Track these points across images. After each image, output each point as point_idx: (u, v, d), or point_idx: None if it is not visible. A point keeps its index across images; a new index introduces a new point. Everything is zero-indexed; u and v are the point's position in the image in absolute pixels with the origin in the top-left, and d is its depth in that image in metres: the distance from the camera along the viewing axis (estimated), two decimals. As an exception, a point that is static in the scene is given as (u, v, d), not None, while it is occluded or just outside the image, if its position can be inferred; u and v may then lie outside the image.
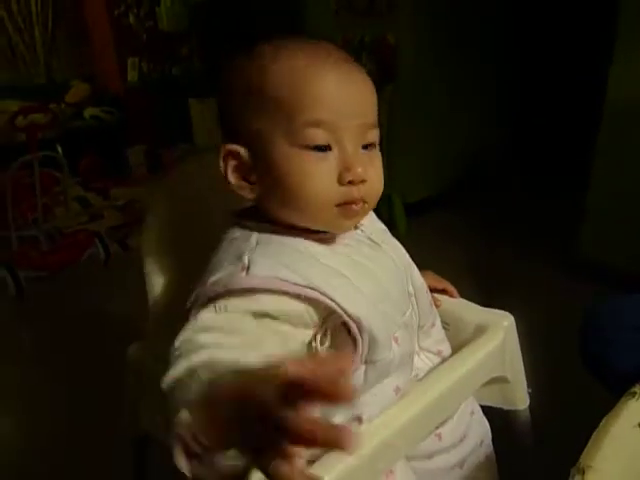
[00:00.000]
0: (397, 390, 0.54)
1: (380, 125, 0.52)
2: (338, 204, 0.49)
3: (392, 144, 2.87)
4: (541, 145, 3.41)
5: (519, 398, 0.68)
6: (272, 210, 0.52)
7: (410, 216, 2.82)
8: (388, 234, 0.63)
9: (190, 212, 0.66)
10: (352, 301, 0.48)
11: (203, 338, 0.42)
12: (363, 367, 0.50)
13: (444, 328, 0.65)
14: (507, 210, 3.02)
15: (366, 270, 0.53)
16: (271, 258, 0.48)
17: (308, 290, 0.46)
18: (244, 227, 0.52)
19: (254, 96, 0.49)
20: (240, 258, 0.47)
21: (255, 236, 0.50)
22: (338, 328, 0.50)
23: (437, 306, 0.65)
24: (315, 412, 0.51)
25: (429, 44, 2.65)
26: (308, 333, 0.50)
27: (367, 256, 0.55)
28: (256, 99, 0.49)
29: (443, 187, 3.01)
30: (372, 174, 0.51)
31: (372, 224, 0.61)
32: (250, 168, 0.50)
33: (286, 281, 0.46)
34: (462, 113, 2.96)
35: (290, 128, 0.47)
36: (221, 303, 0.45)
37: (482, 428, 0.66)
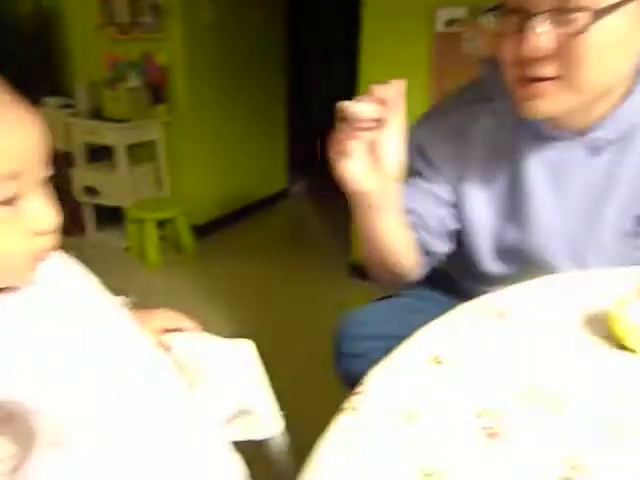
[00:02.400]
0: None
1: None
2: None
3: (174, 166, 2.77)
4: (321, 167, 3.68)
5: (269, 425, 0.66)
6: None
7: (199, 237, 2.76)
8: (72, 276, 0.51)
9: None
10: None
11: None
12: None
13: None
14: (294, 227, 3.18)
15: (50, 336, 0.43)
16: None
17: None
18: None
19: None
20: None
21: None
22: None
23: (167, 349, 0.60)
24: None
25: (201, 66, 2.64)
26: None
27: (49, 315, 0.44)
28: None
29: (230, 208, 3.03)
30: None
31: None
32: None
33: None
34: (243, 135, 3.02)
35: None
36: None
37: (234, 467, 0.62)
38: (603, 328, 0.60)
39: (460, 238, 0.84)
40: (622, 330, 0.58)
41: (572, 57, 0.60)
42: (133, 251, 2.62)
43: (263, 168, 3.28)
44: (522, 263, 0.81)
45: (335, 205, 2.97)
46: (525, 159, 0.75)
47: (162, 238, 2.68)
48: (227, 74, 2.82)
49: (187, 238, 2.65)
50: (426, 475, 0.41)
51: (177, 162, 2.77)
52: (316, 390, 1.29)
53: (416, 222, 0.79)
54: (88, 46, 2.81)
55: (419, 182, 0.81)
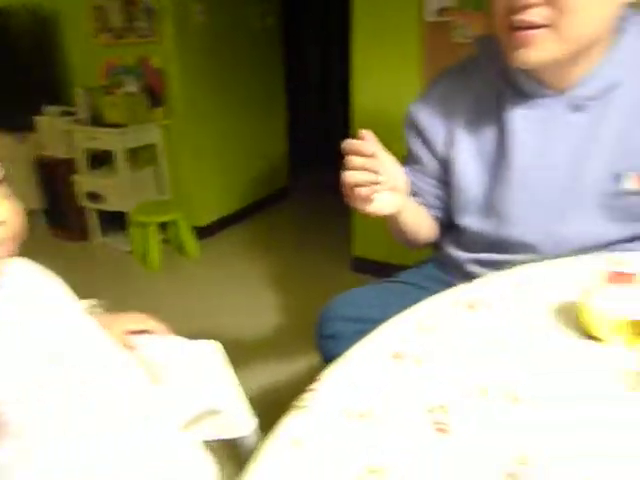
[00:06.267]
0: None
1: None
2: None
3: (175, 168, 2.79)
4: (319, 162, 3.68)
5: (241, 424, 0.66)
6: None
7: (203, 239, 2.77)
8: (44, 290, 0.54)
9: None
10: None
11: None
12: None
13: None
14: (295, 225, 3.18)
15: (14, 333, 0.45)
16: None
17: None
18: None
19: None
20: None
21: None
22: None
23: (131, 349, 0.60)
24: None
25: (196, 67, 2.64)
26: None
27: (14, 314, 0.47)
28: None
29: (232, 208, 3.03)
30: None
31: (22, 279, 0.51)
32: None
33: None
34: (243, 134, 3.02)
35: None
36: None
37: (202, 465, 0.62)
38: (571, 319, 0.59)
39: (451, 196, 0.89)
40: (589, 320, 0.57)
41: (561, 5, 0.64)
42: (136, 254, 2.65)
43: (264, 167, 3.29)
44: (501, 220, 0.82)
45: (335, 201, 2.99)
46: (510, 116, 0.77)
47: (165, 241, 2.70)
48: (223, 73, 2.82)
49: (189, 240, 2.66)
50: (370, 472, 0.41)
51: (177, 164, 2.79)
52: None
53: (422, 202, 0.91)
54: (85, 53, 2.83)
55: (416, 165, 0.90)
